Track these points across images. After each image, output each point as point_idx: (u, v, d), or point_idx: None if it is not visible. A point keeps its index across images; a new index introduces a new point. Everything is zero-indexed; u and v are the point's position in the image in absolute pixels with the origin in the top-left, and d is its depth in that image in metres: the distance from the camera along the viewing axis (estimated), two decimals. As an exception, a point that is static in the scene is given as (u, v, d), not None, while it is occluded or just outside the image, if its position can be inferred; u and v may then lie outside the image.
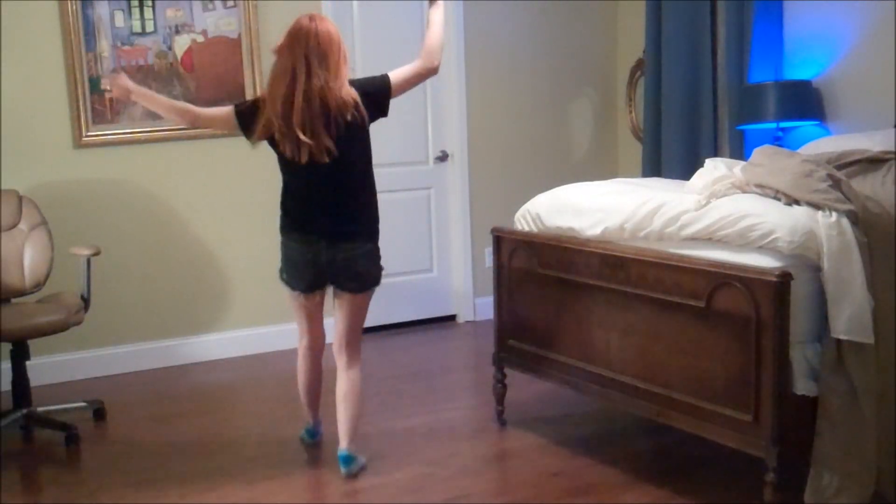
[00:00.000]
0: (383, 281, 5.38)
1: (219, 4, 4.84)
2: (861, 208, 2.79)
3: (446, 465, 3.44)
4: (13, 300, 3.99)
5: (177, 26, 4.76)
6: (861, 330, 2.64)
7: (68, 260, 4.11)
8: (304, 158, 3.12)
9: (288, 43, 3.23)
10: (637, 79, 5.79)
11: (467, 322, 5.72)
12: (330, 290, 3.42)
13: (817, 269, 2.69)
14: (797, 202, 2.82)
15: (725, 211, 2.87)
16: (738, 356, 2.73)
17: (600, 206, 3.33)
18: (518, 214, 3.76)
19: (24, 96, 4.48)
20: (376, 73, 5.30)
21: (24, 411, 3.86)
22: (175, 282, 4.91)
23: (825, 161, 3.09)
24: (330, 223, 3.31)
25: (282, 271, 3.39)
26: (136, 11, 4.67)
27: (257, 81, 4.91)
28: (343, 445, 3.34)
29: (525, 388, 4.08)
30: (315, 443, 3.66)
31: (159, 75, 4.74)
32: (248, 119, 3.24)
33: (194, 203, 4.90)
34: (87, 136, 4.61)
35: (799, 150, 3.55)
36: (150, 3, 4.69)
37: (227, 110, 3.31)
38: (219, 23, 4.85)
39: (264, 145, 3.32)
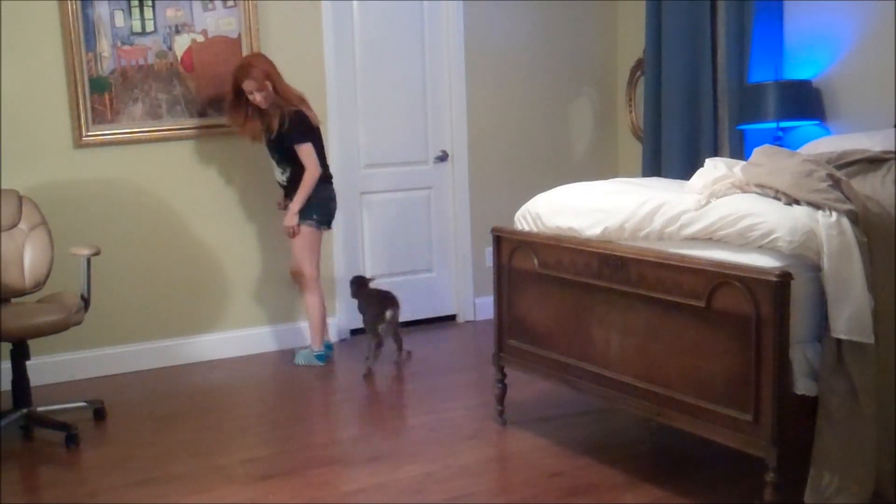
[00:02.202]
0: (384, 281, 5.43)
1: (219, 4, 4.84)
2: (861, 208, 2.78)
3: (446, 465, 3.44)
4: (13, 300, 3.99)
5: (177, 26, 4.76)
6: (861, 330, 2.64)
7: (68, 260, 4.11)
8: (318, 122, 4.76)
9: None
10: (637, 79, 5.79)
11: (467, 322, 5.72)
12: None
13: (817, 269, 2.69)
14: (797, 202, 2.82)
15: (725, 211, 2.87)
16: (738, 356, 2.73)
17: (600, 206, 3.33)
18: (518, 214, 3.76)
19: (24, 96, 4.48)
20: (374, 72, 5.34)
21: (24, 411, 3.86)
22: (175, 282, 4.91)
23: (825, 161, 3.09)
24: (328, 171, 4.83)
25: (313, 215, 4.66)
26: (136, 11, 4.66)
27: (257, 81, 4.92)
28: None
29: (525, 388, 4.08)
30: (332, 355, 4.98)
31: (159, 75, 4.74)
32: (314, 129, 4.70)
33: (194, 203, 4.90)
34: (87, 136, 4.61)
35: (799, 150, 3.54)
36: (150, 3, 4.69)
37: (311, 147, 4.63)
38: (219, 23, 4.85)
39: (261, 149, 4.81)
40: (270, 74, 4.51)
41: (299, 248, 4.72)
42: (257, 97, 4.50)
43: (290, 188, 4.68)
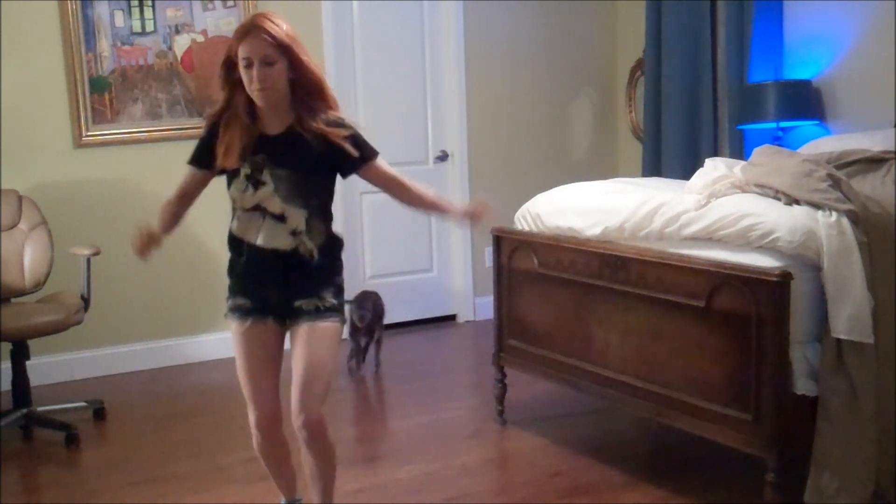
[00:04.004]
0: (384, 280, 5.41)
1: (219, 4, 4.84)
2: (861, 208, 2.78)
3: (446, 465, 3.44)
4: (13, 300, 3.99)
5: (177, 26, 4.76)
6: (861, 330, 2.64)
7: (68, 260, 4.11)
8: None
9: None
10: (637, 79, 5.79)
11: (467, 322, 5.72)
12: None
13: (817, 268, 2.69)
14: (797, 202, 2.82)
15: (725, 211, 2.87)
16: (738, 356, 2.72)
17: (600, 206, 3.33)
18: (518, 214, 3.76)
19: (24, 96, 4.48)
20: (374, 72, 5.33)
21: (24, 411, 3.86)
22: (175, 282, 4.91)
23: (825, 161, 3.09)
24: None
25: (344, 303, 2.83)
26: (136, 11, 4.67)
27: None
28: None
29: (525, 388, 4.08)
30: None
31: (159, 75, 4.75)
32: None
33: (194, 203, 4.89)
34: (86, 136, 4.61)
35: (799, 150, 3.55)
36: (150, 3, 4.69)
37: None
38: (219, 22, 4.85)
39: None
40: (296, 43, 2.56)
41: (327, 360, 2.69)
42: (265, 75, 2.44)
43: (315, 246, 2.59)
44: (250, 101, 2.52)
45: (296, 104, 2.53)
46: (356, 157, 2.54)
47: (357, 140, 2.56)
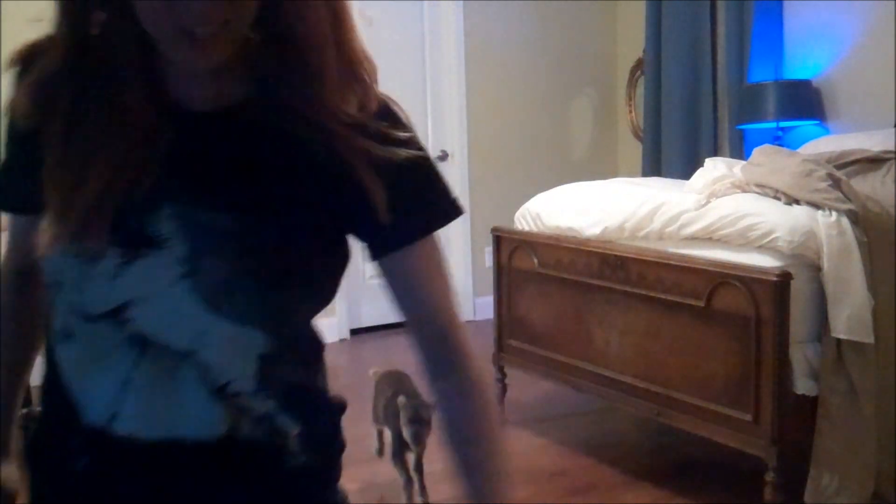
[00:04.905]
0: (383, 281, 5.38)
1: (219, 4, 4.84)
2: (861, 208, 2.78)
3: (446, 465, 3.43)
4: (13, 300, 3.99)
5: (177, 26, 4.76)
6: (861, 330, 2.64)
7: (68, 260, 4.10)
8: None
9: None
10: (637, 79, 5.79)
11: (467, 322, 5.69)
12: None
13: (817, 268, 2.69)
14: (797, 202, 2.82)
15: (725, 210, 2.87)
16: (738, 356, 2.72)
17: (600, 206, 3.33)
18: (518, 214, 3.76)
19: (24, 96, 4.48)
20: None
21: (24, 411, 3.84)
22: (175, 282, 4.90)
23: (825, 161, 3.09)
24: None
25: None
26: (135, 11, 4.66)
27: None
28: None
29: (525, 388, 4.08)
30: None
31: (159, 75, 4.74)
32: None
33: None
34: (86, 136, 4.61)
35: (799, 150, 3.55)
36: (149, 3, 4.68)
37: None
38: (219, 23, 4.85)
39: None
40: None
41: None
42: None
43: (285, 413, 1.05)
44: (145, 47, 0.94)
45: (267, 57, 0.99)
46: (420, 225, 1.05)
47: (429, 178, 1.06)
